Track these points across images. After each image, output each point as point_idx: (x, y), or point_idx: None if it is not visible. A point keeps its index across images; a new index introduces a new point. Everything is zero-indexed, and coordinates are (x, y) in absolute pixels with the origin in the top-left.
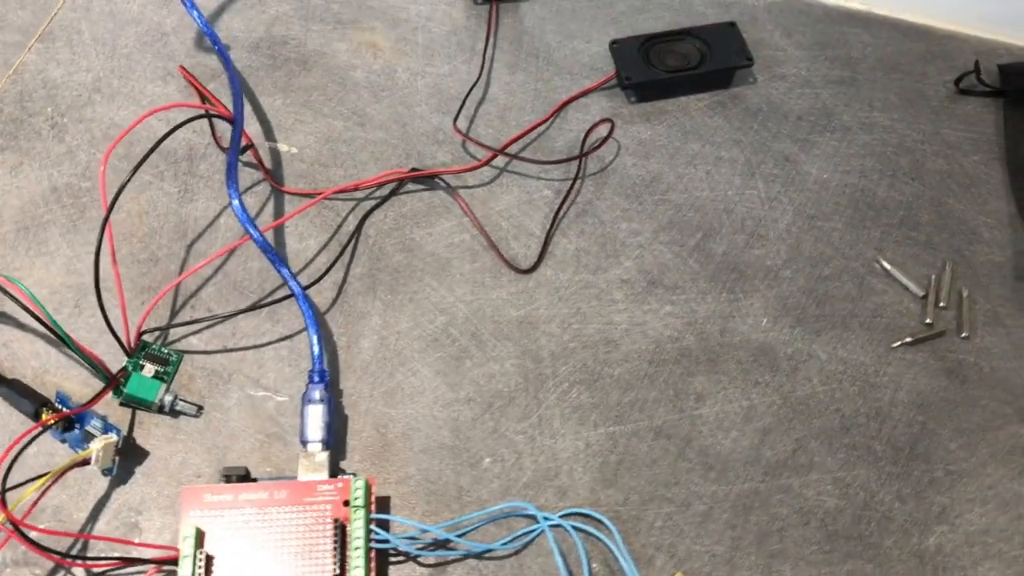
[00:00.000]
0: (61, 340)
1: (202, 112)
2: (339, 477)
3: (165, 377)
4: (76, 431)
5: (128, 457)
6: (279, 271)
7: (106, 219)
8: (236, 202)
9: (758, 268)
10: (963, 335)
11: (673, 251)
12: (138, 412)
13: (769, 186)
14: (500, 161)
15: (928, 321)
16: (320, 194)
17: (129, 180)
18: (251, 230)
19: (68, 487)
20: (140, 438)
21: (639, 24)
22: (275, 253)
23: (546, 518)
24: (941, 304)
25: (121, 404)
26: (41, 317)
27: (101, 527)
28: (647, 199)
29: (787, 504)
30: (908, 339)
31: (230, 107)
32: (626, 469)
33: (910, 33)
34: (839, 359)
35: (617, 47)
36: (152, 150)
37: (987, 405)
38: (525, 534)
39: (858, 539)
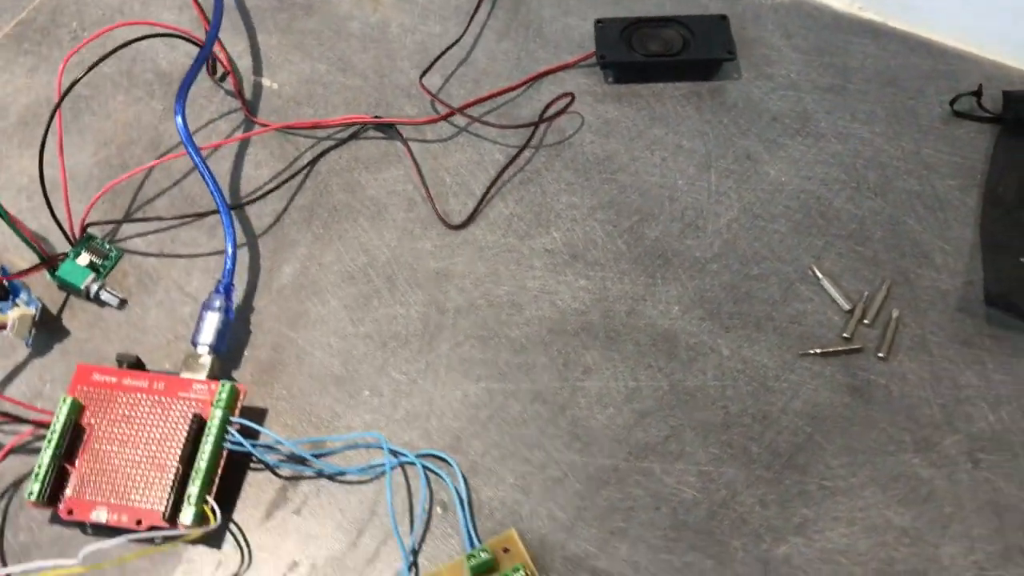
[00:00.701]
0: None
1: (168, 32)
2: (216, 381)
3: (101, 270)
4: (8, 302)
5: (51, 334)
6: (207, 183)
7: (54, 111)
8: (179, 119)
9: (686, 258)
10: (880, 355)
11: (605, 230)
12: (72, 297)
13: (722, 180)
14: (462, 122)
15: (846, 335)
16: (269, 126)
17: (82, 78)
18: (188, 145)
19: None
20: (67, 320)
21: (638, 8)
22: (208, 169)
23: (395, 452)
24: (866, 321)
25: (59, 288)
26: None
27: (11, 389)
28: (595, 176)
29: (644, 487)
30: (817, 350)
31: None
32: (495, 425)
33: (919, 49)
34: (741, 358)
35: (601, 26)
36: (105, 57)
37: (885, 429)
38: (380, 465)
39: (707, 534)
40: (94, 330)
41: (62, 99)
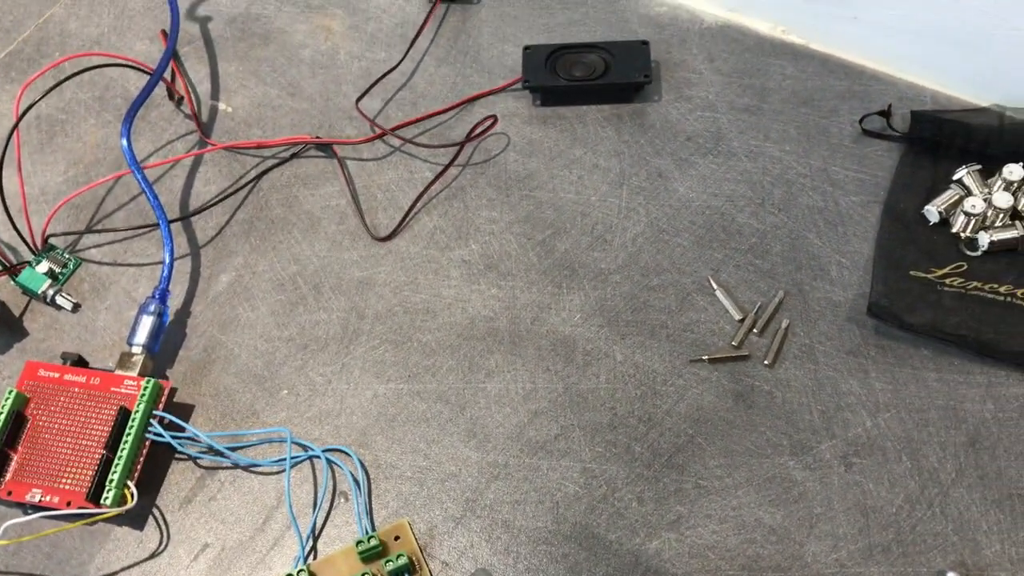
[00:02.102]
0: None
1: (114, 61)
2: (144, 377)
3: (60, 277)
4: None
5: (11, 333)
6: (149, 199)
7: (11, 132)
8: (124, 141)
9: (591, 269)
10: (766, 363)
11: (520, 242)
12: (33, 302)
13: (632, 197)
14: (396, 142)
15: (734, 343)
16: (215, 145)
17: (39, 101)
18: (132, 165)
19: None
20: (27, 321)
21: (571, 35)
22: (149, 185)
23: (304, 446)
24: (755, 331)
25: (23, 293)
26: None
27: None
28: (515, 193)
29: (531, 481)
30: (705, 357)
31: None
32: (400, 423)
33: (837, 70)
34: (633, 363)
35: (529, 52)
36: (60, 82)
37: (764, 433)
38: (293, 458)
39: (584, 527)
40: (50, 331)
41: (18, 122)
